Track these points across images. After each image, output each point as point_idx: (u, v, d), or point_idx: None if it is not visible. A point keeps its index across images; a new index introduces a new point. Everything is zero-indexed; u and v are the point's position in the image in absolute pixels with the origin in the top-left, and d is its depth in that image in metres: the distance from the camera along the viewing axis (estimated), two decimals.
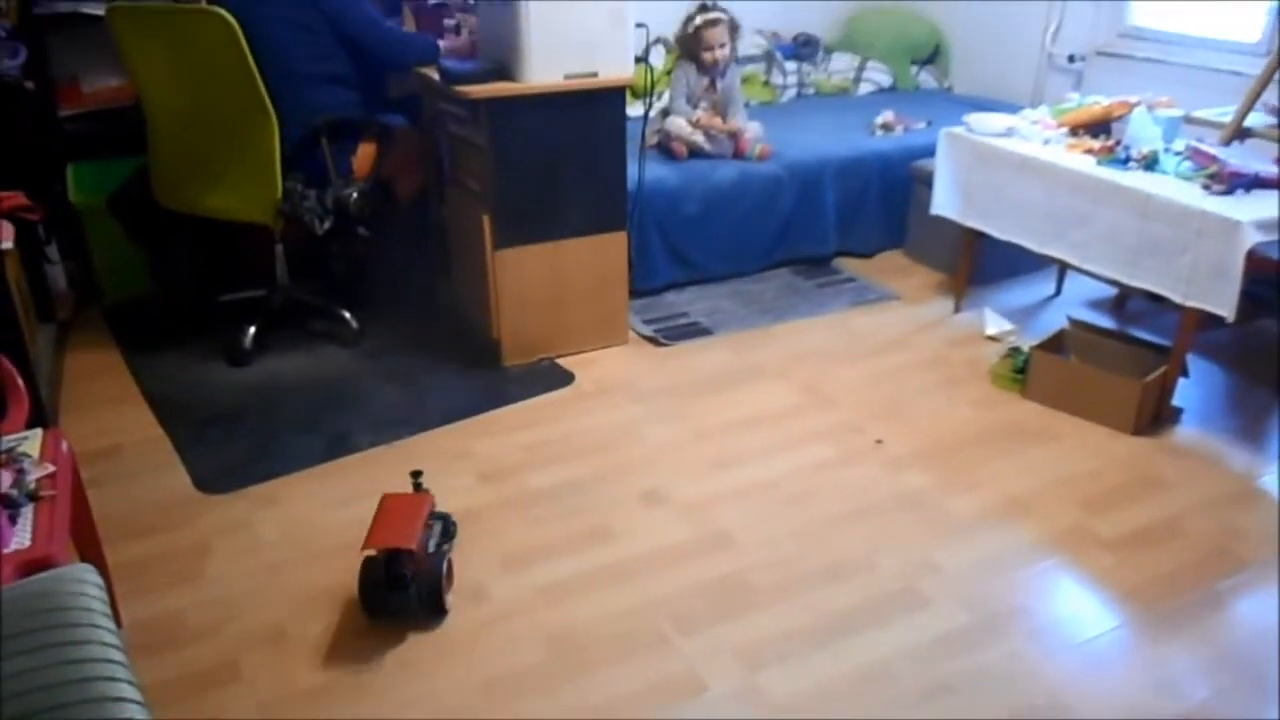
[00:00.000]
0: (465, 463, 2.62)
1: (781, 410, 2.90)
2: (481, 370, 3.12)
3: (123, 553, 2.22)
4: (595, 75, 2.88)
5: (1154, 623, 2.06)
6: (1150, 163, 2.81)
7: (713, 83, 3.82)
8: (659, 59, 4.32)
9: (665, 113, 3.84)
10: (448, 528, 2.29)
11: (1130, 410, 2.73)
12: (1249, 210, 2.49)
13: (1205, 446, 2.72)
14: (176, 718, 1.83)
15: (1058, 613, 2.11)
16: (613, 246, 3.15)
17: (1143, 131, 2.97)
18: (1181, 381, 2.82)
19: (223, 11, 2.68)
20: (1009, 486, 2.53)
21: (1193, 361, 2.90)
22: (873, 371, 3.12)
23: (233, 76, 2.75)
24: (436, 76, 2.97)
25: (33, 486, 1.70)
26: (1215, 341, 3.22)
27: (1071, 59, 4.32)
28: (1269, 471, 2.60)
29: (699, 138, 3.73)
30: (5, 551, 1.56)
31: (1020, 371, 2.97)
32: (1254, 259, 2.47)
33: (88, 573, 1.46)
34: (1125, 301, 3.55)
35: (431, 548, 2.16)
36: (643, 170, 3.41)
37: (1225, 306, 2.52)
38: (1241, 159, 2.70)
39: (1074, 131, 3.14)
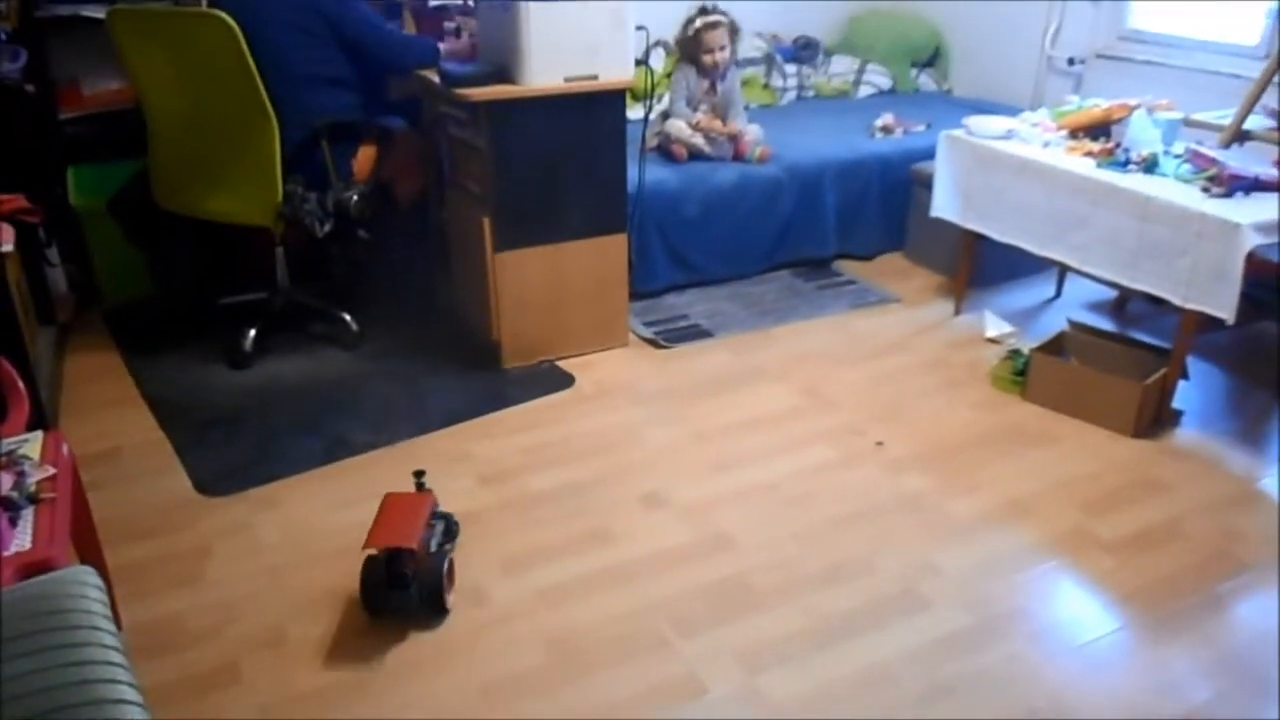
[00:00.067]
0: (465, 465, 2.62)
1: (781, 412, 2.90)
2: (481, 372, 3.12)
3: (123, 555, 2.22)
4: (595, 78, 2.88)
5: (1154, 625, 2.06)
6: (1150, 165, 2.81)
7: (713, 85, 3.82)
8: (659, 62, 4.32)
9: (665, 115, 3.85)
10: (450, 527, 2.30)
11: (1130, 412, 2.73)
12: (1249, 213, 2.49)
13: (1205, 449, 2.72)
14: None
15: (1058, 615, 2.11)
16: (613, 249, 3.16)
17: (1142, 134, 2.97)
18: (1181, 384, 2.82)
19: (223, 14, 2.68)
20: (1009, 489, 2.53)
21: (1193, 364, 2.90)
22: (873, 374, 3.12)
23: (233, 79, 2.76)
24: (437, 79, 2.98)
25: (33, 489, 1.70)
26: (1215, 344, 3.22)
27: (1071, 62, 4.32)
28: (1269, 474, 2.60)
29: (699, 140, 3.74)
30: (6, 554, 1.56)
31: (1020, 374, 2.98)
32: (1254, 261, 2.47)
33: (88, 575, 1.45)
34: (1125, 304, 3.55)
35: (433, 547, 2.16)
36: (643, 173, 3.41)
37: (1225, 309, 2.52)
38: (1241, 162, 2.70)
39: (1074, 134, 3.15)
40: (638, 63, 3.02)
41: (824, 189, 3.85)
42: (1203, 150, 2.78)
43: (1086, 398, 2.82)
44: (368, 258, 3.63)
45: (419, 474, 2.27)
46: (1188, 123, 3.13)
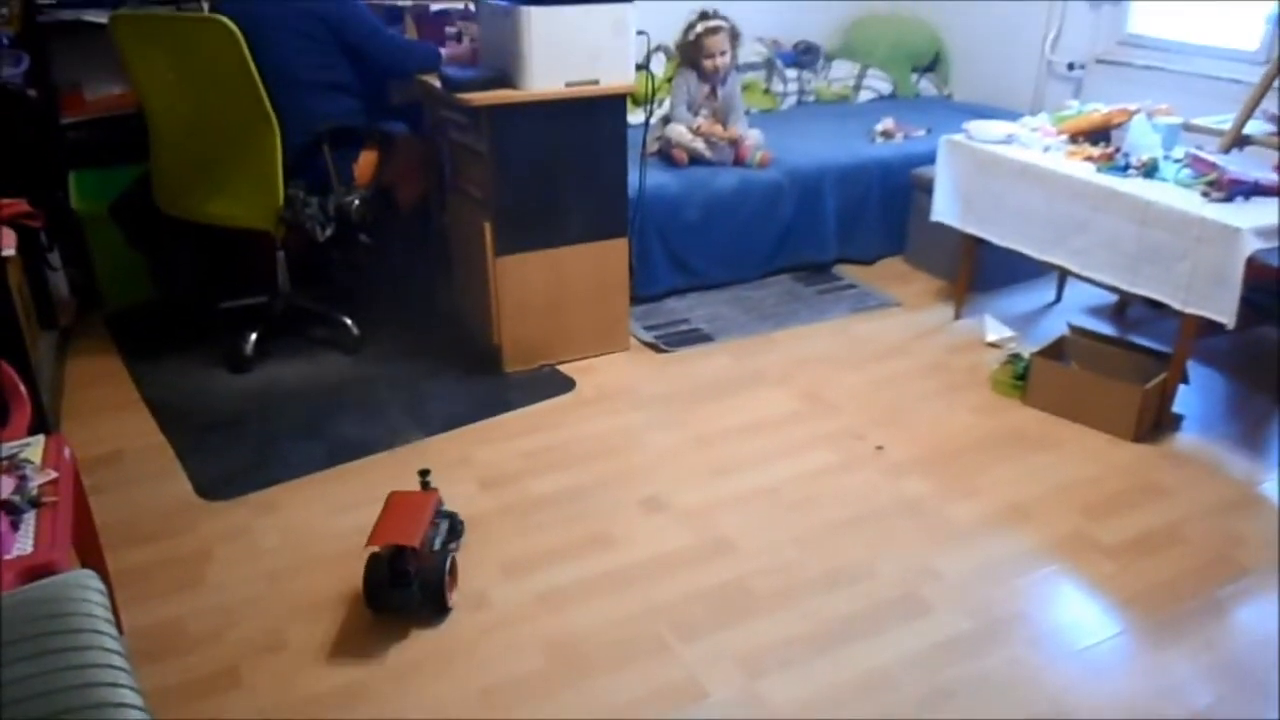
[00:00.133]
0: (466, 469, 2.63)
1: (782, 416, 2.90)
2: (482, 377, 3.12)
3: (124, 559, 2.23)
4: (596, 83, 2.89)
5: (1155, 629, 2.06)
6: (1150, 170, 2.82)
7: (713, 90, 3.83)
8: (660, 66, 4.33)
9: (666, 120, 3.85)
10: (455, 526, 2.31)
11: (1131, 417, 2.73)
12: (1248, 217, 2.50)
13: (1206, 453, 2.72)
14: None
15: (1058, 619, 2.11)
16: (613, 253, 3.16)
17: (1142, 139, 2.98)
18: (1182, 388, 2.82)
19: (225, 19, 2.69)
20: (1009, 493, 2.53)
21: (1193, 368, 2.90)
22: (873, 378, 3.12)
23: (235, 84, 2.76)
24: (438, 84, 2.98)
25: (35, 493, 1.70)
26: (1215, 348, 3.22)
27: (1071, 66, 4.33)
28: (1269, 478, 2.60)
29: (700, 145, 3.74)
30: (7, 557, 1.56)
31: (1021, 378, 2.98)
32: (1253, 266, 2.47)
33: (89, 579, 1.46)
34: (1125, 308, 3.56)
35: (437, 546, 2.17)
36: (644, 177, 3.41)
37: (1225, 313, 2.52)
38: (1241, 166, 2.71)
39: (1074, 139, 3.15)
40: (638, 68, 3.03)
41: (824, 193, 3.86)
42: (1203, 155, 2.78)
43: (1087, 402, 2.82)
44: (369, 262, 3.64)
45: (424, 473, 2.28)
46: (1188, 128, 3.13)
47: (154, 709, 1.33)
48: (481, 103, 2.81)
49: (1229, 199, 2.61)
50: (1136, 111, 3.12)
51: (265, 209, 2.96)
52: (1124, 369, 2.88)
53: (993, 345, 3.32)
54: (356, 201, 3.04)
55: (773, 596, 2.16)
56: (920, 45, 5.00)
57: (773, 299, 3.71)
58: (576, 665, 1.97)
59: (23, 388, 2.01)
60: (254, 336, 3.18)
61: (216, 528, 2.41)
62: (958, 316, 3.53)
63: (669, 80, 4.07)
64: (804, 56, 4.90)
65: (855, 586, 2.19)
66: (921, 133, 4.17)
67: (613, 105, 2.98)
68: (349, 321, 3.30)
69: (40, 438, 1.87)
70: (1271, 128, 3.01)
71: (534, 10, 2.73)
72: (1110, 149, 3.01)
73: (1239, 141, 3.02)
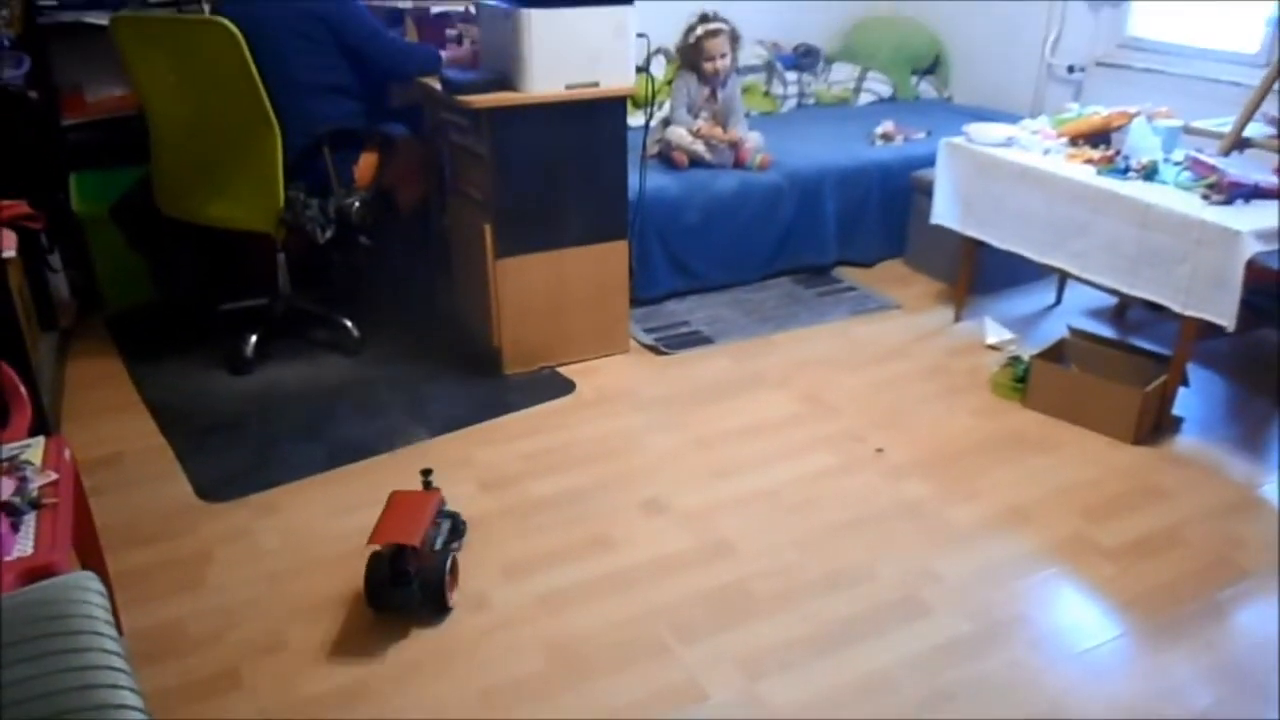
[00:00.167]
0: (466, 471, 2.63)
1: (782, 419, 2.90)
2: (482, 379, 3.12)
3: (124, 561, 2.22)
4: (596, 85, 2.89)
5: (1155, 632, 2.06)
6: (1150, 173, 2.82)
7: (713, 93, 3.83)
8: (660, 69, 4.33)
9: (666, 122, 3.85)
10: (457, 526, 2.31)
11: (1130, 419, 2.74)
12: (1248, 220, 2.50)
13: (1206, 455, 2.72)
14: None
15: (1058, 622, 2.11)
16: (614, 255, 3.16)
17: (1142, 141, 2.98)
18: (1182, 391, 2.82)
19: (226, 22, 2.69)
20: (1009, 495, 2.53)
21: (1193, 371, 2.90)
22: (873, 380, 3.12)
23: (235, 86, 2.76)
24: (438, 86, 2.98)
25: (35, 494, 1.70)
26: (1215, 351, 3.22)
27: (1071, 69, 4.34)
28: (1269, 480, 2.60)
29: (700, 147, 3.74)
30: (8, 559, 1.56)
31: (1021, 380, 2.98)
32: (1253, 268, 2.47)
33: (90, 580, 1.46)
34: (1125, 311, 3.56)
35: (438, 545, 2.17)
36: (644, 179, 3.42)
37: (1225, 316, 2.53)
38: (1241, 169, 2.71)
39: (1074, 141, 3.16)
40: (638, 70, 3.03)
41: (824, 196, 3.86)
42: (1202, 158, 2.79)
43: (1087, 404, 2.82)
44: (369, 264, 3.64)
45: (426, 472, 2.29)
46: (1187, 130, 3.14)
47: (154, 710, 1.33)
48: (482, 105, 2.81)
49: (1229, 202, 2.61)
50: (1136, 114, 3.12)
51: (266, 211, 2.96)
52: (1124, 371, 2.88)
53: (993, 348, 3.32)
54: (357, 203, 3.05)
55: (773, 598, 2.16)
56: (920, 48, 5.00)
57: (773, 301, 3.71)
58: (577, 667, 1.97)
59: (23, 389, 2.01)
60: (254, 338, 3.18)
61: (217, 529, 2.41)
62: (958, 319, 3.53)
63: (669, 83, 4.07)
64: (804, 59, 4.90)
65: (855, 589, 2.19)
66: (921, 135, 4.17)
67: (613, 108, 2.99)
68: (349, 323, 3.30)
69: (40, 439, 1.88)
70: (1272, 130, 3.01)
71: (534, 13, 2.74)
72: (1110, 152, 3.01)
73: (1239, 144, 3.03)
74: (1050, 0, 4.35)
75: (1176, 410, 2.84)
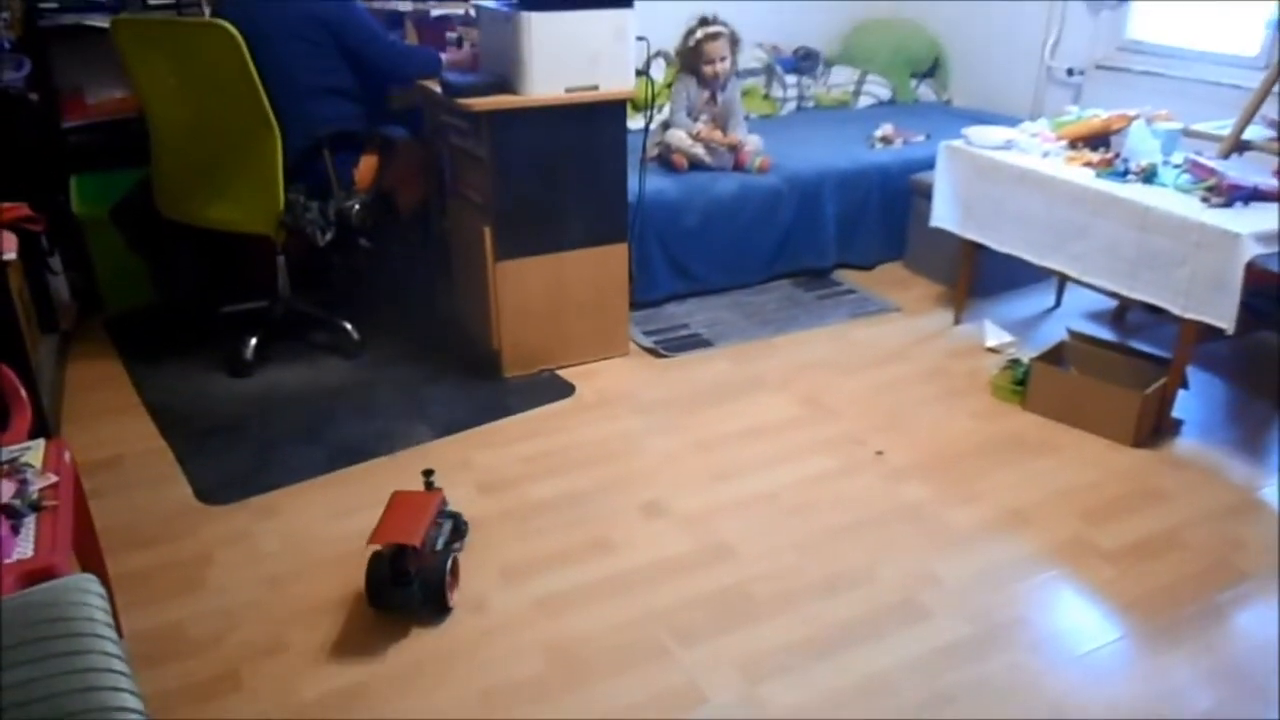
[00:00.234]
0: (466, 474, 2.63)
1: (782, 422, 2.90)
2: (482, 381, 3.12)
3: (124, 563, 2.22)
4: (596, 88, 2.90)
5: (1155, 634, 2.06)
6: (1149, 175, 2.82)
7: (713, 96, 3.84)
8: (659, 72, 4.34)
9: (666, 125, 3.86)
10: (459, 527, 2.32)
11: (1130, 422, 2.74)
12: (1248, 223, 2.50)
13: (1205, 458, 2.72)
14: None
15: (1058, 624, 2.11)
16: (613, 258, 3.16)
17: (1141, 144, 2.98)
18: (1181, 393, 2.82)
19: (226, 24, 2.69)
20: (1009, 498, 2.53)
21: (1192, 373, 2.90)
22: (873, 383, 3.12)
23: (236, 89, 2.77)
24: (438, 89, 2.99)
25: (35, 497, 1.70)
26: (1215, 353, 3.23)
27: (1070, 72, 4.34)
28: (1269, 483, 2.61)
29: (699, 150, 3.75)
30: (8, 561, 1.56)
31: (1020, 383, 2.98)
32: (1253, 271, 2.48)
33: (90, 583, 1.46)
34: (1125, 313, 3.56)
35: (439, 545, 2.17)
36: (643, 182, 3.42)
37: (1224, 318, 2.53)
38: (1240, 172, 2.72)
39: (1073, 144, 3.16)
40: (638, 73, 3.03)
41: (824, 199, 3.86)
42: (1202, 160, 2.79)
43: (1086, 407, 2.82)
44: (369, 266, 3.64)
45: (428, 473, 2.29)
46: (1187, 133, 3.14)
47: (154, 713, 1.34)
48: (482, 108, 2.82)
49: (1228, 204, 2.61)
50: (1136, 117, 3.13)
51: (266, 213, 2.96)
52: (1123, 374, 2.88)
53: (992, 350, 3.32)
54: (356, 206, 3.05)
55: (772, 601, 2.16)
56: (920, 51, 5.01)
57: (772, 304, 3.72)
58: (576, 670, 1.97)
59: (23, 391, 2.01)
60: (254, 341, 3.18)
61: (217, 532, 2.41)
62: (957, 322, 3.53)
63: (669, 86, 4.08)
64: (804, 62, 4.91)
65: (855, 591, 2.19)
66: (921, 138, 4.18)
67: (613, 111, 2.99)
68: (349, 326, 3.30)
69: (40, 441, 1.88)
70: (1271, 133, 3.02)
71: (534, 16, 2.74)
72: (1109, 154, 3.02)
73: (1238, 147, 3.03)
74: (1050, 2, 4.36)
75: (1176, 413, 2.84)
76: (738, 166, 3.80)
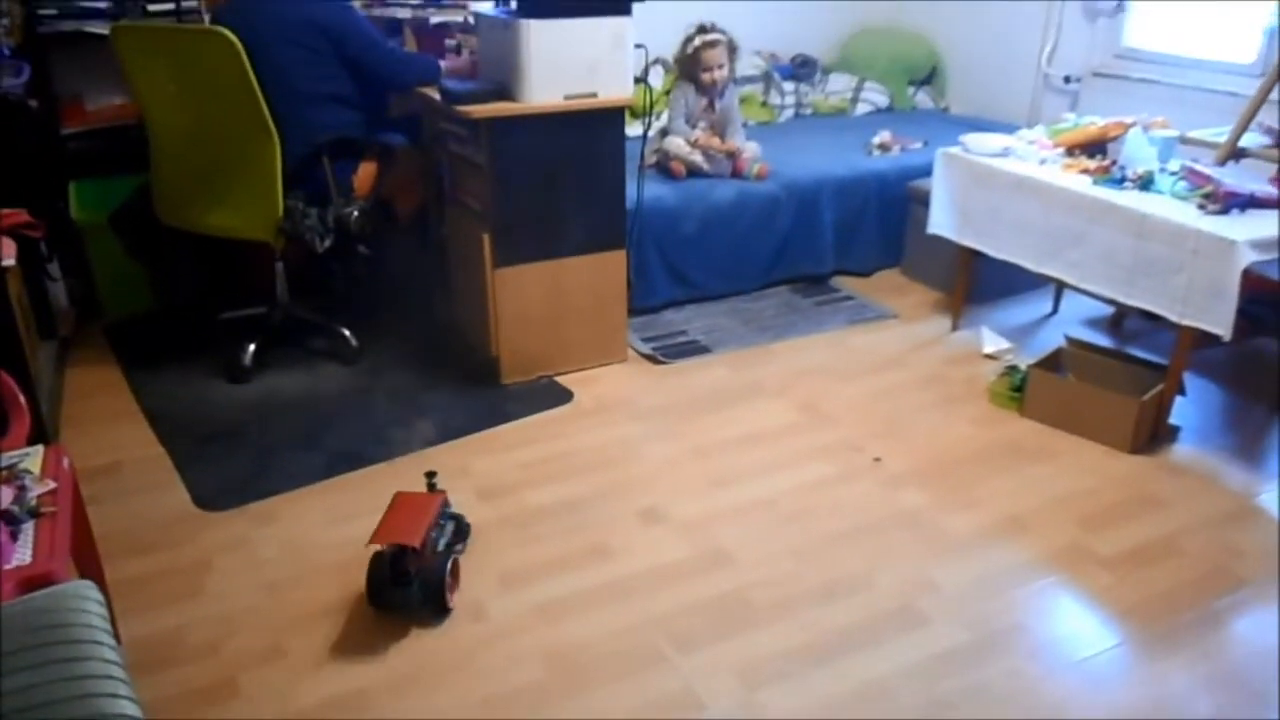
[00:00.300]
0: (464, 480, 2.63)
1: (780, 428, 2.91)
2: (480, 388, 3.13)
3: (122, 570, 2.22)
4: (595, 95, 2.90)
5: (1153, 641, 2.07)
6: (1146, 182, 2.83)
7: (711, 103, 3.85)
8: (658, 79, 4.35)
9: (664, 132, 3.87)
10: (461, 528, 2.32)
11: (1128, 428, 2.74)
12: (1244, 230, 2.51)
13: (1203, 464, 2.72)
14: None
15: (1056, 631, 2.12)
16: (612, 265, 3.17)
17: (1138, 151, 2.99)
18: (1179, 400, 2.83)
19: (226, 32, 2.70)
20: (1007, 504, 2.53)
21: (1190, 380, 2.91)
22: (871, 389, 3.13)
23: (235, 96, 2.77)
24: (437, 96, 2.99)
25: (34, 503, 1.70)
26: (1212, 360, 3.23)
27: (1068, 80, 4.35)
28: (1266, 489, 2.61)
29: (697, 157, 3.76)
30: (6, 568, 1.56)
31: (1018, 390, 2.98)
32: (1250, 278, 2.48)
33: (89, 589, 1.46)
34: (1122, 320, 3.57)
35: (441, 546, 2.18)
36: (642, 189, 3.43)
37: (1221, 325, 2.53)
38: (1237, 179, 2.72)
39: (1070, 151, 3.17)
40: (637, 80, 3.04)
41: (822, 206, 3.87)
42: (1198, 168, 2.80)
43: (1084, 414, 2.82)
44: (367, 273, 3.64)
45: (430, 474, 2.31)
46: (1183, 140, 3.15)
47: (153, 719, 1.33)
48: (481, 115, 2.82)
49: (1225, 211, 2.62)
50: (1132, 124, 3.14)
51: (265, 220, 2.96)
52: (1121, 381, 2.88)
53: (990, 357, 3.33)
54: (355, 213, 3.05)
55: (770, 608, 2.16)
56: (917, 58, 5.02)
57: (770, 311, 3.72)
58: (574, 676, 1.97)
59: (22, 398, 2.01)
60: (253, 347, 3.18)
61: (215, 538, 2.41)
62: (955, 328, 3.54)
63: (667, 93, 4.08)
64: (801, 70, 4.92)
65: (853, 598, 2.19)
66: (918, 145, 4.19)
67: (611, 118, 3.00)
68: (347, 332, 3.30)
69: (39, 448, 1.88)
70: (1267, 140, 3.03)
71: (533, 23, 2.75)
72: (1106, 162, 3.03)
73: (1235, 154, 3.04)
74: (1047, 9, 4.37)
75: (1173, 419, 2.84)
76: (736, 173, 3.81)
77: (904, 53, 5.01)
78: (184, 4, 3.39)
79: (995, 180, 3.13)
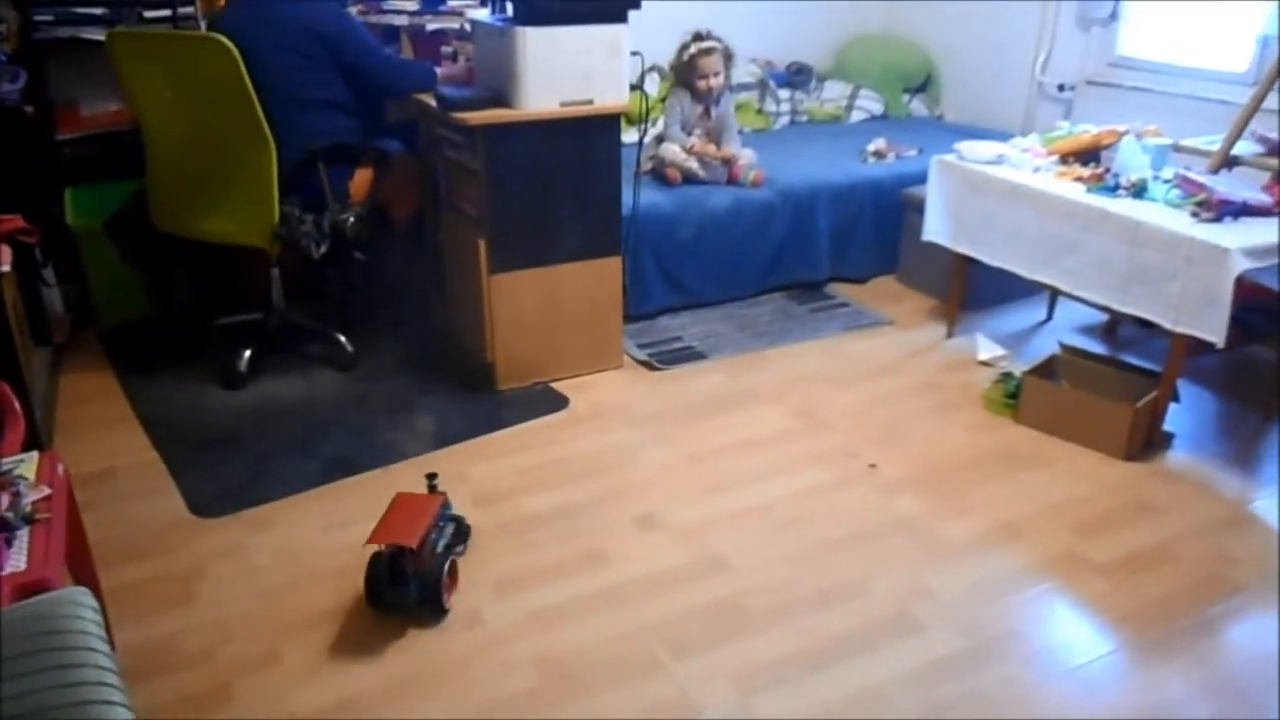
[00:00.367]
0: (460, 486, 2.62)
1: (775, 434, 2.91)
2: (476, 394, 3.13)
3: (117, 576, 2.22)
4: (591, 102, 2.91)
5: (1147, 647, 2.07)
6: (1139, 190, 2.84)
7: (707, 110, 3.86)
8: (654, 86, 4.36)
9: (660, 139, 3.88)
10: (461, 530, 2.33)
11: (1122, 435, 2.75)
12: (1237, 237, 2.52)
13: (1197, 471, 2.73)
14: None
15: (1051, 637, 2.12)
16: (608, 271, 3.17)
17: (1131, 159, 3.00)
18: (1173, 407, 2.83)
19: (222, 38, 2.70)
20: (1002, 511, 2.54)
21: (1183, 387, 2.92)
22: (866, 396, 3.13)
23: (232, 102, 2.77)
24: (434, 103, 3.00)
25: (28, 509, 1.70)
26: (1206, 367, 3.24)
27: (1061, 88, 4.37)
28: (1260, 496, 2.62)
29: (693, 164, 3.76)
30: (1, 574, 1.55)
31: (1012, 397, 2.99)
32: (1243, 285, 2.49)
33: (83, 596, 1.45)
34: (1116, 327, 3.58)
35: (439, 548, 2.18)
36: (637, 196, 3.43)
37: (1215, 332, 2.54)
38: (1229, 187, 2.74)
39: (1064, 159, 3.18)
40: (633, 88, 3.05)
41: (817, 213, 3.88)
42: (1191, 175, 2.81)
43: (1078, 421, 2.83)
44: (363, 279, 3.64)
45: (431, 476, 2.32)
46: (1176, 148, 3.17)
47: None
48: (477, 122, 2.83)
49: (1218, 219, 2.63)
50: (1126, 132, 3.15)
51: (261, 226, 2.96)
52: (1115, 388, 2.89)
53: (984, 364, 3.34)
54: (351, 219, 3.05)
55: (766, 614, 2.16)
56: (912, 66, 5.04)
57: (766, 317, 3.73)
58: (570, 683, 1.97)
59: (16, 404, 2.00)
60: (248, 353, 3.18)
61: (210, 545, 2.40)
62: (950, 335, 3.55)
63: (663, 100, 4.10)
64: (796, 77, 4.94)
65: (848, 605, 2.19)
66: (913, 153, 4.20)
67: (607, 125, 3.00)
68: (343, 338, 3.30)
69: (34, 454, 1.87)
70: (1260, 148, 3.04)
71: (529, 30, 2.76)
72: (1100, 169, 3.04)
73: (1228, 162, 3.05)
74: (1042, 15, 4.39)
75: (1167, 426, 2.85)
76: (731, 180, 3.82)
77: (899, 61, 5.03)
78: (180, 10, 3.40)
79: (990, 188, 3.14)
